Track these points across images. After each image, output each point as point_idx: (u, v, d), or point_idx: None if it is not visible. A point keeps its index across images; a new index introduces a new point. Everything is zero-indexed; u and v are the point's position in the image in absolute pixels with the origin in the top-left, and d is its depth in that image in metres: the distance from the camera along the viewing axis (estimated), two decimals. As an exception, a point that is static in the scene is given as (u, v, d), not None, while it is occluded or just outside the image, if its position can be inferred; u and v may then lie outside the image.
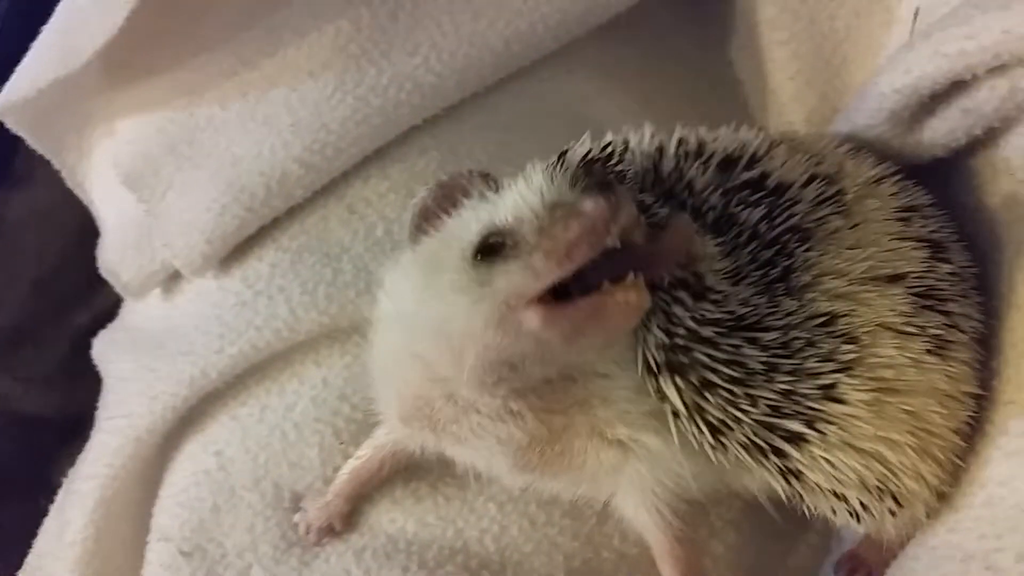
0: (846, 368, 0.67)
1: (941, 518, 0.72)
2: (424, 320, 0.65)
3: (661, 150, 0.75)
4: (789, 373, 0.66)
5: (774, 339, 0.66)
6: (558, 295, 0.60)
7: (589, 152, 0.71)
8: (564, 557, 0.82)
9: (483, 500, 0.84)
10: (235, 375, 0.89)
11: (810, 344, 0.67)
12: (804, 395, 0.66)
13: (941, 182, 0.82)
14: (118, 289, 1.01)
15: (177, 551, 0.86)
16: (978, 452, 0.72)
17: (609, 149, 0.73)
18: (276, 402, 0.88)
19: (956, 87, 0.75)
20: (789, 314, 0.68)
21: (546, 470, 0.72)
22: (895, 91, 0.76)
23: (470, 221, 0.64)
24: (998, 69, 0.72)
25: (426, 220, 0.68)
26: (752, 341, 0.66)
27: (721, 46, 1.12)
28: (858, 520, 0.71)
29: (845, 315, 0.68)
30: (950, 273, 0.74)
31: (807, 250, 0.70)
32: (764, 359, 0.66)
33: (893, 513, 0.70)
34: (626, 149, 0.74)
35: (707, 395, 0.66)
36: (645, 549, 0.79)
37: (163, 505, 0.90)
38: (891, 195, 0.76)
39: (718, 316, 0.66)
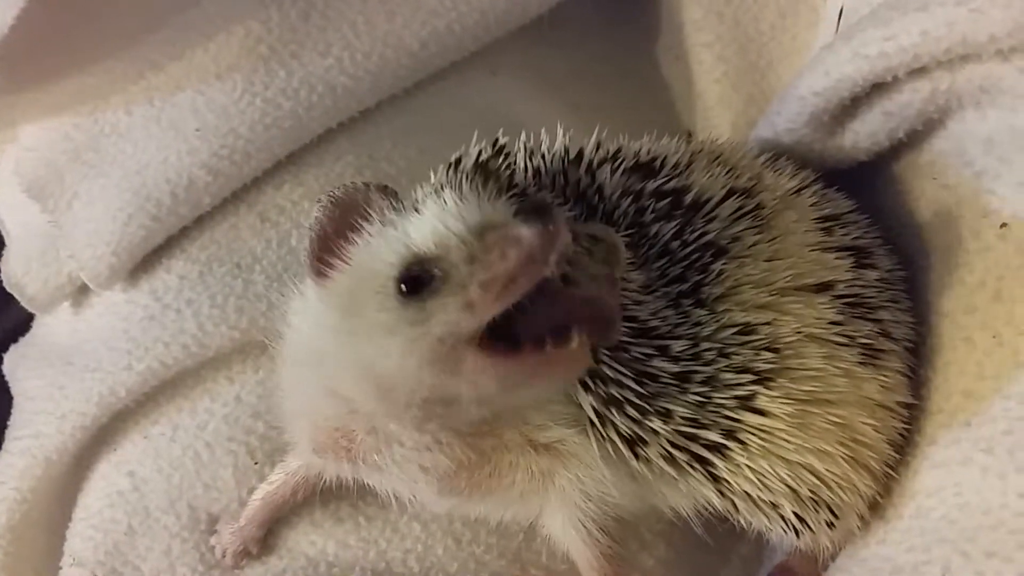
0: (764, 379, 0.66)
1: (872, 530, 0.72)
2: (346, 361, 0.61)
3: (579, 155, 0.73)
4: (702, 383, 0.65)
5: (684, 349, 0.65)
6: (493, 329, 0.55)
7: (480, 155, 0.68)
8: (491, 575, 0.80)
9: (407, 520, 0.82)
10: (145, 392, 0.85)
11: (723, 355, 0.66)
12: (720, 405, 0.65)
13: (865, 188, 0.81)
14: (24, 303, 0.97)
15: (92, 575, 0.82)
16: (908, 463, 0.72)
17: (502, 148, 0.70)
18: (188, 421, 0.85)
19: (877, 89, 0.74)
20: (697, 324, 0.66)
21: (474, 493, 0.70)
22: (815, 94, 0.75)
23: (382, 250, 0.59)
24: (919, 71, 0.71)
25: (327, 251, 0.62)
26: (662, 351, 0.65)
27: (647, 48, 1.10)
28: (796, 534, 0.70)
29: (765, 325, 0.67)
30: (878, 279, 0.74)
31: (723, 264, 0.68)
32: (675, 370, 0.65)
33: (831, 525, 0.70)
34: (519, 151, 0.72)
35: (614, 411, 0.64)
36: (573, 566, 0.77)
37: (76, 528, 0.86)
38: (811, 205, 0.75)
39: (629, 326, 0.64)
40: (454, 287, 0.54)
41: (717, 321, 0.67)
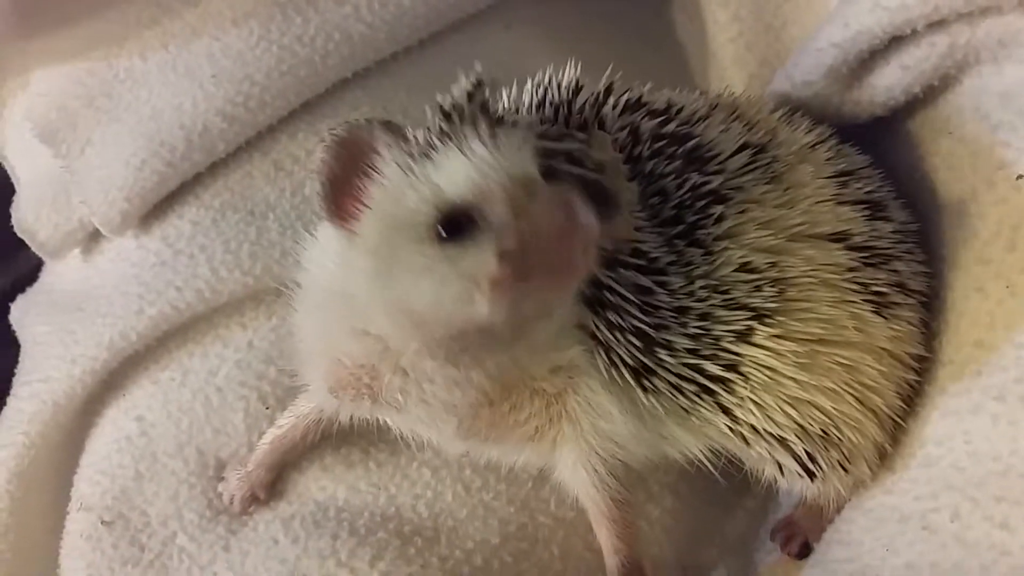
0: (762, 316, 0.67)
1: (878, 480, 0.73)
2: (381, 301, 0.62)
3: (600, 97, 0.73)
4: (700, 318, 0.66)
5: (680, 286, 0.66)
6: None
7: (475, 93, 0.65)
8: (499, 522, 0.81)
9: (417, 465, 0.82)
10: (156, 337, 0.85)
11: (717, 292, 0.67)
12: (718, 338, 0.67)
13: (880, 142, 0.81)
14: (35, 249, 0.97)
15: (98, 520, 0.83)
16: (917, 412, 0.73)
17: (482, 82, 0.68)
18: (199, 365, 0.85)
19: (896, 43, 0.74)
20: (690, 264, 0.67)
21: (491, 433, 0.70)
22: (833, 45, 0.75)
23: (411, 196, 0.59)
24: (938, 24, 0.71)
25: (341, 193, 0.62)
26: (661, 284, 0.66)
27: (662, 7, 1.10)
28: (810, 476, 0.71)
29: (768, 265, 0.68)
30: (893, 232, 0.74)
31: (723, 208, 0.69)
32: (674, 304, 0.66)
33: (845, 469, 0.70)
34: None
35: (619, 336, 0.65)
36: (582, 513, 0.78)
37: (84, 473, 0.86)
38: (827, 160, 0.75)
39: (631, 256, 0.65)
40: (495, 234, 0.56)
41: (713, 262, 0.67)
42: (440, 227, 0.57)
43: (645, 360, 0.66)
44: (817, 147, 0.76)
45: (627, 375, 0.67)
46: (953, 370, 0.71)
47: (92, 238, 0.94)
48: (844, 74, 0.77)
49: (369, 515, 0.80)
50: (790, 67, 0.81)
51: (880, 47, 0.74)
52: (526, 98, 0.72)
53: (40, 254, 0.98)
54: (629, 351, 0.66)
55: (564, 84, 0.72)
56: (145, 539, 0.82)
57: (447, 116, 0.61)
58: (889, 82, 0.76)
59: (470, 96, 0.62)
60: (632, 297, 0.65)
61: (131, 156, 0.87)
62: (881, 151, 0.80)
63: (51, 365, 0.86)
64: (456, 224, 0.57)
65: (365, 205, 0.62)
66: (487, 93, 0.64)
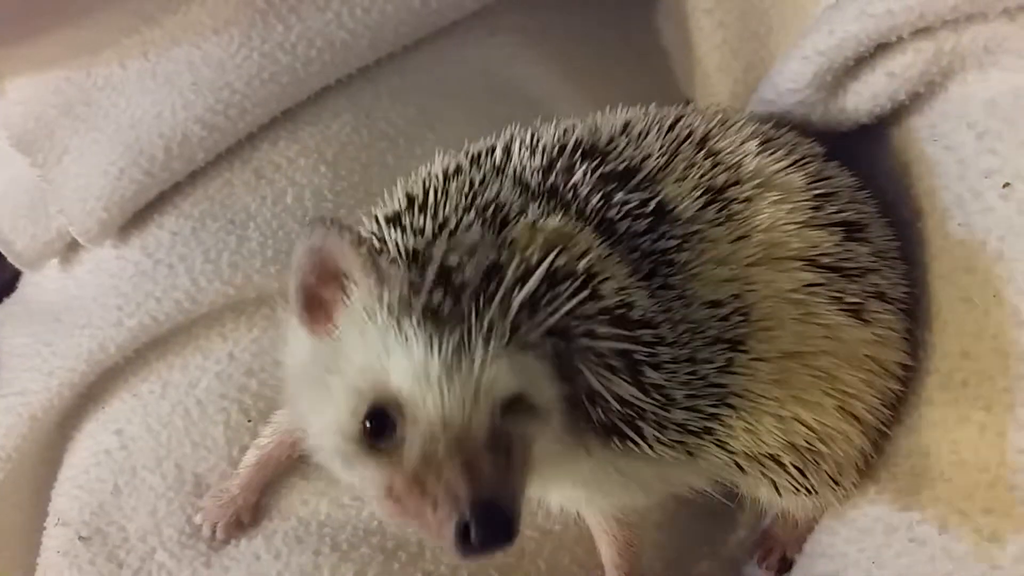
0: (737, 344, 0.66)
1: (861, 489, 0.72)
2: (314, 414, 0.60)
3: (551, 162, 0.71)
4: (687, 361, 0.64)
5: (670, 330, 0.64)
6: None
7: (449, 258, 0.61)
8: (485, 536, 0.80)
9: (402, 478, 0.81)
10: (135, 349, 0.85)
11: (696, 333, 0.65)
12: (705, 375, 0.65)
13: (865, 150, 0.81)
14: (11, 259, 0.97)
15: (76, 536, 0.82)
16: (902, 422, 0.72)
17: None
18: (179, 378, 0.84)
19: (881, 50, 0.73)
20: (668, 311, 0.65)
21: None
22: (819, 53, 0.74)
23: (356, 348, 0.57)
24: (923, 31, 0.71)
25: (314, 307, 0.59)
26: (661, 340, 0.64)
27: (647, 14, 1.10)
28: (805, 492, 0.70)
29: (731, 297, 0.66)
30: (869, 253, 0.72)
31: (686, 255, 0.67)
32: (671, 355, 0.64)
33: (836, 482, 0.70)
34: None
35: (627, 427, 0.63)
36: (569, 527, 0.78)
37: (62, 488, 0.86)
38: (802, 185, 0.72)
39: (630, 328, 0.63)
40: (395, 460, 0.54)
41: (688, 305, 0.66)
42: (367, 421, 0.55)
43: (650, 430, 0.63)
44: (792, 171, 0.73)
45: (630, 446, 0.64)
46: (939, 380, 0.70)
47: (70, 248, 0.94)
48: (829, 81, 0.76)
49: (352, 530, 0.80)
50: (775, 74, 0.80)
51: (866, 54, 0.73)
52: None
53: (17, 264, 0.98)
54: (632, 429, 0.63)
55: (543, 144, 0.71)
56: (124, 555, 0.81)
57: (412, 256, 0.60)
58: (875, 89, 0.75)
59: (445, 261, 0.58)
60: (634, 384, 0.62)
61: (109, 165, 0.86)
62: (867, 159, 0.80)
63: (28, 377, 0.86)
64: (380, 422, 0.55)
65: (333, 316, 0.60)
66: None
